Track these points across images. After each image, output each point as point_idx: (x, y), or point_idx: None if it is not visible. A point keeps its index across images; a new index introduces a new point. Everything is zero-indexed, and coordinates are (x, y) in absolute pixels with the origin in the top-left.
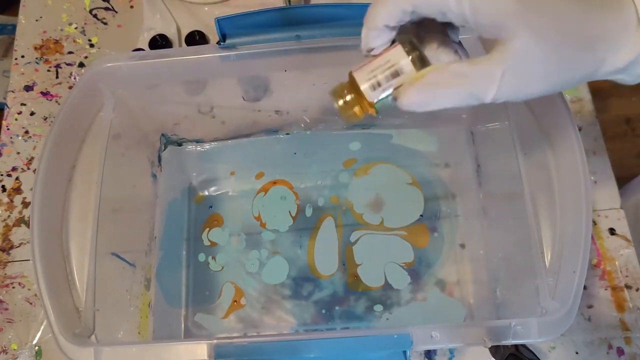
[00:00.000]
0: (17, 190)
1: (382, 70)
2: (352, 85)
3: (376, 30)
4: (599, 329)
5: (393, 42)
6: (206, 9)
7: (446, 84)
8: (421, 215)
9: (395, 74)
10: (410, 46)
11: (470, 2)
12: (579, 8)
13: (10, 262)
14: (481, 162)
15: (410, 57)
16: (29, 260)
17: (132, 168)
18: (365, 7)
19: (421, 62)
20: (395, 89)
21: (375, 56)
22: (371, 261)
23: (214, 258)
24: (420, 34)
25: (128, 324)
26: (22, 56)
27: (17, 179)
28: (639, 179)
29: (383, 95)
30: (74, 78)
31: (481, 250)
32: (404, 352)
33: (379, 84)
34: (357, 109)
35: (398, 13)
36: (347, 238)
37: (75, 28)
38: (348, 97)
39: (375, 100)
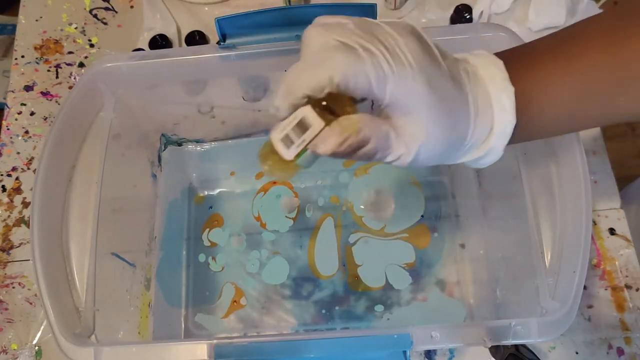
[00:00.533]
0: (17, 190)
1: (292, 127)
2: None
3: (294, 101)
4: (599, 329)
5: None
6: (206, 9)
7: (362, 131)
8: (422, 216)
9: (305, 128)
10: (317, 100)
11: (390, 95)
12: (464, 107)
13: (10, 262)
14: None
15: (317, 109)
16: (29, 260)
17: (132, 168)
18: (365, 6)
19: (329, 114)
20: (310, 142)
21: (285, 117)
22: (372, 262)
23: (214, 258)
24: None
25: (128, 324)
26: (22, 56)
27: (17, 179)
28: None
29: (298, 150)
30: (74, 78)
31: (481, 250)
32: (404, 352)
33: (291, 141)
34: (283, 168)
35: (323, 87)
36: (347, 239)
37: (75, 28)
38: (271, 161)
39: (291, 158)
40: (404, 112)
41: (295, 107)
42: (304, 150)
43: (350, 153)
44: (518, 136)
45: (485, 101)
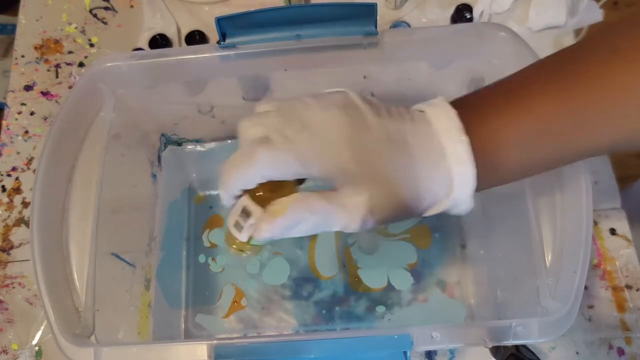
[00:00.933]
0: (17, 190)
1: (238, 214)
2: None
3: (233, 194)
4: (599, 329)
5: None
6: (206, 8)
7: (294, 212)
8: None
9: (249, 214)
10: (253, 189)
11: (320, 174)
12: (407, 168)
13: (10, 262)
14: None
15: (256, 195)
16: (29, 260)
17: (132, 168)
18: (365, 6)
19: (269, 196)
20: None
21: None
22: (374, 263)
23: (214, 259)
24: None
25: (128, 324)
26: (22, 56)
27: (17, 179)
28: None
29: (248, 233)
30: (74, 78)
31: (482, 251)
32: (405, 353)
33: (240, 226)
34: (246, 247)
35: (253, 181)
36: (346, 239)
37: (75, 28)
38: (235, 242)
39: (246, 240)
40: (341, 184)
41: (236, 198)
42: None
43: (290, 233)
44: (483, 183)
45: (439, 155)
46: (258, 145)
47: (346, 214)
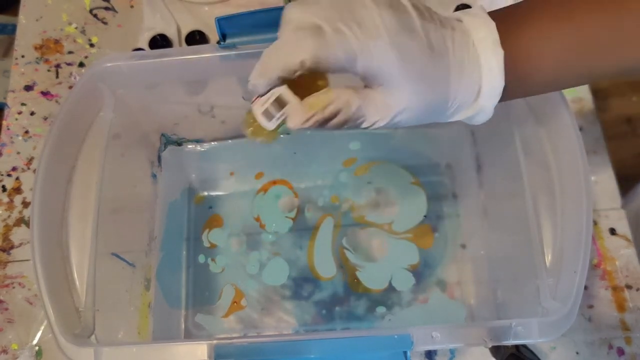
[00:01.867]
0: (17, 190)
1: (271, 103)
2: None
3: (269, 81)
4: (599, 329)
5: None
6: (206, 8)
7: (333, 106)
8: (425, 216)
9: (283, 104)
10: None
11: (363, 70)
12: (444, 74)
13: (10, 262)
14: (482, 162)
15: (293, 86)
16: (29, 260)
17: (132, 168)
18: None
19: (305, 89)
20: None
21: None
22: (376, 264)
23: (213, 260)
24: None
25: (128, 324)
26: (22, 56)
27: (17, 179)
28: None
29: (278, 122)
30: (74, 78)
31: (482, 251)
32: (405, 353)
33: (271, 115)
34: (264, 134)
35: (295, 70)
36: (342, 241)
37: (75, 28)
38: (253, 127)
39: (272, 129)
40: (378, 83)
41: (271, 86)
42: (283, 122)
43: (322, 125)
44: (509, 94)
45: (473, 64)
46: (308, 34)
47: (379, 112)
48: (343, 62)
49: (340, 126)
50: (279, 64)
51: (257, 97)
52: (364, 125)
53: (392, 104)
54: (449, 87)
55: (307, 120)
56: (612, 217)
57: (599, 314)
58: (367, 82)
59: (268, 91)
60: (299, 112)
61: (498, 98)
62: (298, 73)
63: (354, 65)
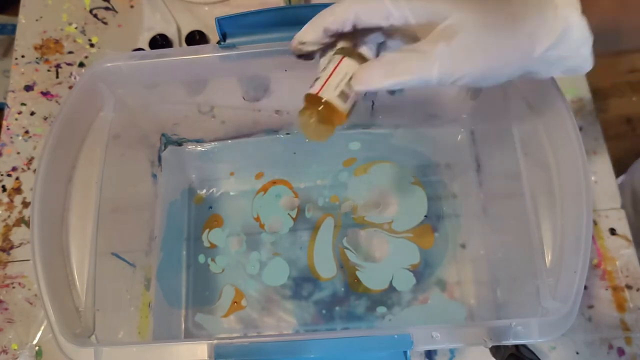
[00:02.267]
0: (17, 190)
1: (345, 82)
2: (313, 106)
3: (315, 31)
4: (599, 329)
5: (334, 55)
6: (206, 8)
7: (397, 64)
8: (425, 216)
9: (349, 80)
10: (358, 56)
11: (408, 3)
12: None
13: (10, 262)
14: (481, 162)
15: (360, 64)
16: (29, 260)
17: (132, 168)
18: None
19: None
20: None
21: (329, 76)
22: (377, 264)
23: (213, 260)
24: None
25: (128, 324)
26: (22, 56)
27: (17, 179)
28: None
29: (352, 102)
30: (74, 78)
31: (482, 251)
32: (405, 353)
33: (346, 95)
34: (324, 132)
35: (348, 24)
36: (342, 240)
37: (75, 28)
38: (314, 119)
39: (347, 111)
40: (432, 17)
41: (319, 42)
42: (355, 102)
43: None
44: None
45: (549, 6)
46: None
47: (454, 62)
48: (396, 15)
49: (409, 78)
50: (333, 18)
51: (320, 89)
52: (434, 75)
53: (459, 58)
54: (520, 33)
55: (388, 74)
56: (612, 217)
57: (599, 314)
58: (421, 34)
59: (333, 73)
60: (375, 67)
61: (586, 31)
62: (351, 26)
63: (406, 14)
